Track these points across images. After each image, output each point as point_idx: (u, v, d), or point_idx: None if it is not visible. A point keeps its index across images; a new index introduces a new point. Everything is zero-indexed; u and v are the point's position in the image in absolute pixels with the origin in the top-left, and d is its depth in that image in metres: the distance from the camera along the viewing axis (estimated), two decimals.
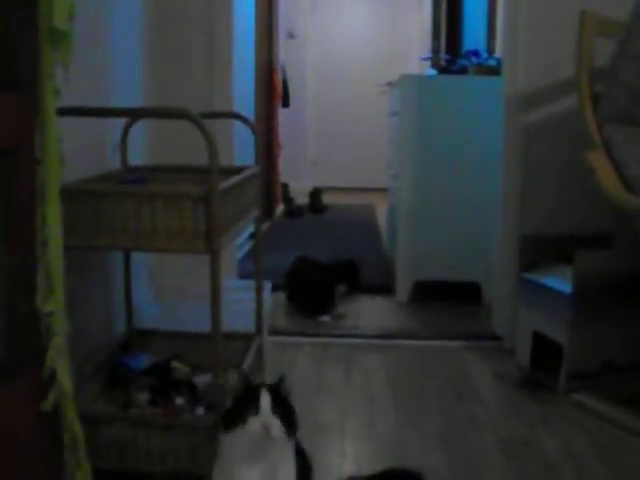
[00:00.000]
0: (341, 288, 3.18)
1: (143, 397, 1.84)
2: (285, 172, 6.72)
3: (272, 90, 6.02)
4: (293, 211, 6.12)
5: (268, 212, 5.87)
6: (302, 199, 6.52)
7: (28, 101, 1.21)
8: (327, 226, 5.61)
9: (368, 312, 3.21)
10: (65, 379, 1.27)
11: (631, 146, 2.15)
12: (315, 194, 6.48)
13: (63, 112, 1.42)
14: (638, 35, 2.13)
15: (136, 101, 2.51)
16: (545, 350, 2.37)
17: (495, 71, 3.25)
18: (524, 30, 2.68)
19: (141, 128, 2.48)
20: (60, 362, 1.27)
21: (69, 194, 1.49)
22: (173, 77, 2.81)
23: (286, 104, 6.80)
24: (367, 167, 7.73)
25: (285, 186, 6.59)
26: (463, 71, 3.61)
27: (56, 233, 1.26)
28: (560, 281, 2.31)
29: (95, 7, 2.06)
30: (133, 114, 1.93)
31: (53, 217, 1.26)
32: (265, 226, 5.46)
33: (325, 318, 3.06)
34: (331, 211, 6.36)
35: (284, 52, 6.99)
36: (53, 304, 1.26)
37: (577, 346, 2.25)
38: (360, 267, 3.29)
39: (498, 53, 3.61)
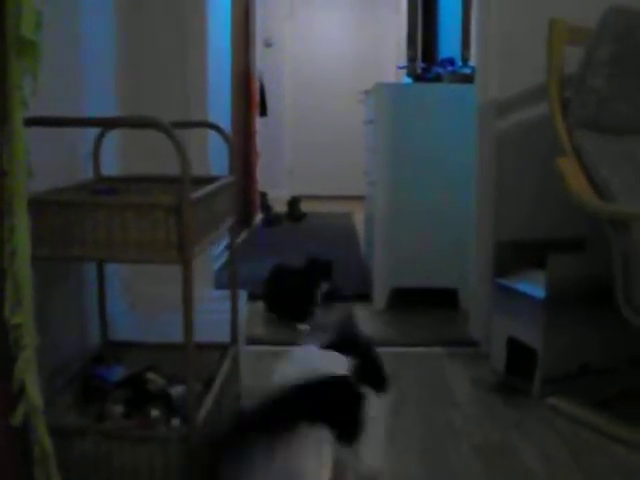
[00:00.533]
0: (323, 287, 3.17)
1: (118, 409, 1.83)
2: (263, 181, 6.72)
3: (249, 99, 6.02)
4: (271, 220, 6.11)
5: (246, 221, 5.86)
6: (281, 207, 6.52)
7: None
8: (305, 234, 5.62)
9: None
10: (34, 392, 1.26)
11: (600, 151, 2.18)
12: (293, 202, 6.48)
13: (31, 122, 1.41)
14: (605, 42, 2.17)
15: (111, 111, 2.50)
16: (520, 355, 2.38)
17: (469, 79, 3.28)
18: (496, 38, 2.71)
19: (114, 138, 2.47)
20: (29, 375, 1.25)
21: (39, 204, 1.48)
22: (148, 86, 2.79)
23: (264, 113, 6.81)
24: (345, 175, 7.76)
25: (263, 195, 6.59)
26: (438, 79, 3.64)
27: (24, 244, 1.25)
28: (534, 286, 2.32)
29: (65, 15, 2.05)
30: (103, 124, 1.92)
31: (20, 228, 1.25)
32: (243, 235, 5.45)
33: (304, 327, 3.06)
34: (310, 219, 6.37)
35: (261, 60, 7.00)
36: (21, 316, 1.25)
37: (551, 350, 2.27)
38: (332, 262, 3.32)
39: (473, 61, 3.65)
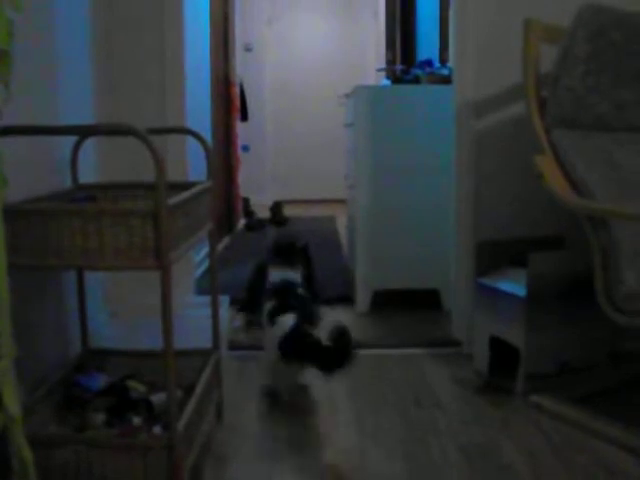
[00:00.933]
0: None
1: (99, 418, 1.82)
2: (245, 186, 6.71)
3: (229, 104, 6.01)
4: (254, 225, 6.11)
5: (229, 227, 5.85)
6: (264, 212, 6.51)
7: None
8: None
9: (327, 323, 3.20)
10: (12, 403, 1.24)
11: (577, 149, 2.19)
12: (276, 207, 6.49)
13: (6, 132, 1.40)
14: (580, 41, 2.18)
15: (88, 118, 2.49)
16: (503, 354, 2.39)
17: (447, 80, 3.30)
18: (473, 39, 2.72)
19: (92, 145, 2.45)
20: (6, 385, 1.24)
21: (16, 213, 1.47)
22: (126, 92, 2.78)
23: (244, 118, 6.80)
24: (328, 178, 7.76)
25: (246, 200, 6.58)
26: (416, 80, 3.65)
27: None
28: (515, 285, 2.33)
29: (38, 23, 2.04)
30: (79, 132, 1.91)
31: None
32: (226, 241, 5.44)
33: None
34: (292, 224, 6.37)
35: (241, 65, 6.99)
36: None
37: (533, 348, 2.28)
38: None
39: (450, 62, 3.66)
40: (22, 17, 1.34)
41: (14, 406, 1.25)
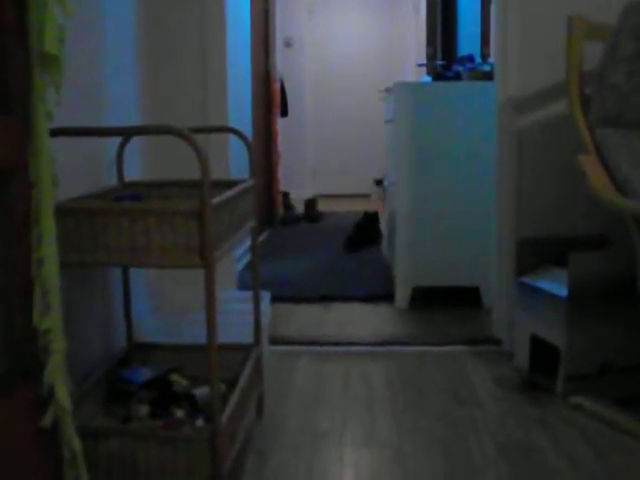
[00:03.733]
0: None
1: (143, 410, 1.87)
2: (285, 181, 6.75)
3: (270, 100, 6.04)
4: (289, 220, 6.19)
5: (268, 221, 5.90)
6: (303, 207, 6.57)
7: (21, 124, 1.24)
8: (326, 234, 5.62)
9: (368, 319, 3.23)
10: (63, 396, 1.29)
11: (621, 148, 2.17)
12: (310, 203, 6.54)
13: (56, 133, 1.45)
14: (625, 39, 2.16)
15: (132, 118, 2.54)
16: (543, 353, 2.38)
17: (489, 76, 3.27)
18: (515, 35, 2.70)
19: (137, 144, 2.51)
20: (58, 379, 1.29)
21: (65, 212, 1.52)
22: (169, 92, 2.83)
23: (284, 113, 6.83)
24: (367, 173, 7.76)
25: (285, 195, 6.62)
26: (457, 77, 3.63)
27: (52, 252, 1.29)
28: (556, 284, 2.32)
29: (87, 29, 2.09)
30: (124, 133, 1.95)
31: (48, 236, 1.28)
32: (264, 235, 5.49)
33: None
34: (327, 219, 6.40)
35: (281, 60, 7.02)
36: (50, 322, 1.28)
37: (574, 349, 2.27)
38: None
39: (492, 58, 3.64)
40: (70, 21, 1.37)
41: (65, 399, 1.29)
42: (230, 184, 1.92)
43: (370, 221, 5.09)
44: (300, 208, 6.55)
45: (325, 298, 3.53)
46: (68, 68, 1.36)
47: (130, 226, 1.51)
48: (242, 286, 3.19)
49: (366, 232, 4.98)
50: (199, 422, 1.83)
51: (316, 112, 8.06)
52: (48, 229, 1.28)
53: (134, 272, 2.26)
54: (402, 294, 3.40)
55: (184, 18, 2.79)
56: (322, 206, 6.79)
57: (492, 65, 3.29)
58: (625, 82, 2.20)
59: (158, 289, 2.66)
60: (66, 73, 1.34)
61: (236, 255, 3.50)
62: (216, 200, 1.55)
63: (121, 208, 1.54)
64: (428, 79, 4.05)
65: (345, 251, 4.77)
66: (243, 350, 2.13)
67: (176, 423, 1.81)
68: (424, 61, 5.43)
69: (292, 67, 7.66)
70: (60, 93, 1.32)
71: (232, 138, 2.88)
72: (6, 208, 1.23)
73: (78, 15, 1.95)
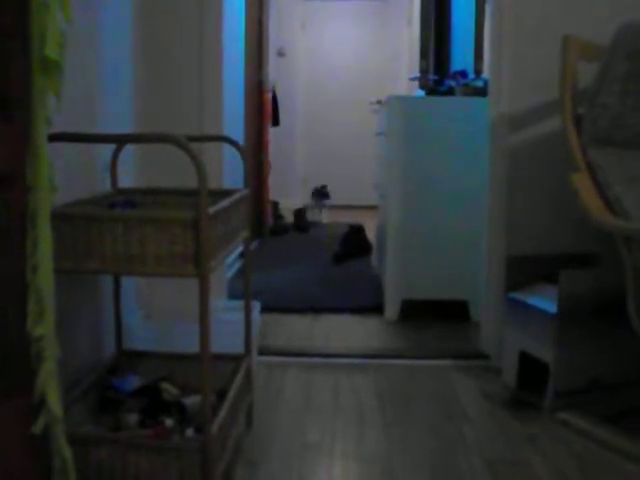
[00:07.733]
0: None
1: (133, 419, 1.85)
2: (275, 190, 6.75)
3: (262, 110, 6.05)
4: (277, 229, 6.19)
5: (259, 230, 5.89)
6: (292, 217, 6.58)
7: (20, 129, 1.23)
8: (315, 244, 5.63)
9: (357, 331, 3.23)
10: (55, 403, 1.28)
11: (613, 167, 2.19)
12: (299, 213, 6.55)
13: (54, 138, 1.44)
14: (618, 59, 2.18)
15: (127, 124, 2.54)
16: (532, 369, 2.39)
17: (481, 92, 3.30)
18: (509, 51, 2.72)
19: (131, 151, 2.50)
20: (50, 386, 1.28)
21: (61, 217, 1.51)
22: (164, 100, 2.82)
23: (276, 123, 6.84)
24: (357, 185, 7.78)
25: (275, 204, 6.62)
26: (450, 92, 3.66)
27: (47, 258, 1.28)
28: (545, 301, 2.34)
29: (85, 34, 2.09)
30: (120, 140, 1.95)
31: (44, 242, 1.28)
32: (254, 244, 5.48)
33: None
34: (317, 230, 6.41)
35: (274, 70, 7.04)
36: (43, 328, 1.28)
37: (563, 365, 2.28)
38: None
39: (485, 74, 3.66)
40: (68, 27, 1.37)
41: (57, 406, 1.28)
42: (224, 193, 1.92)
43: (356, 233, 5.12)
44: (289, 218, 6.55)
45: (314, 309, 3.53)
46: (67, 73, 1.36)
47: (126, 234, 1.50)
48: (231, 295, 3.18)
49: (352, 246, 5.01)
50: (189, 431, 1.81)
51: (307, 122, 8.08)
52: (44, 235, 1.28)
53: (125, 279, 2.25)
54: (391, 306, 3.41)
55: (182, 25, 2.79)
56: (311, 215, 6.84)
57: (485, 81, 3.32)
58: (617, 102, 2.23)
59: (149, 296, 2.64)
60: (65, 78, 1.33)
61: (226, 263, 3.49)
62: (213, 209, 1.55)
63: (118, 215, 1.54)
64: (421, 93, 4.08)
65: (334, 264, 4.78)
66: (233, 360, 2.12)
67: (166, 432, 1.80)
68: (416, 75, 5.46)
69: (284, 77, 7.67)
70: (60, 99, 1.32)
71: (225, 147, 2.88)
72: (3, 212, 1.22)
73: (75, 23, 1.95)
